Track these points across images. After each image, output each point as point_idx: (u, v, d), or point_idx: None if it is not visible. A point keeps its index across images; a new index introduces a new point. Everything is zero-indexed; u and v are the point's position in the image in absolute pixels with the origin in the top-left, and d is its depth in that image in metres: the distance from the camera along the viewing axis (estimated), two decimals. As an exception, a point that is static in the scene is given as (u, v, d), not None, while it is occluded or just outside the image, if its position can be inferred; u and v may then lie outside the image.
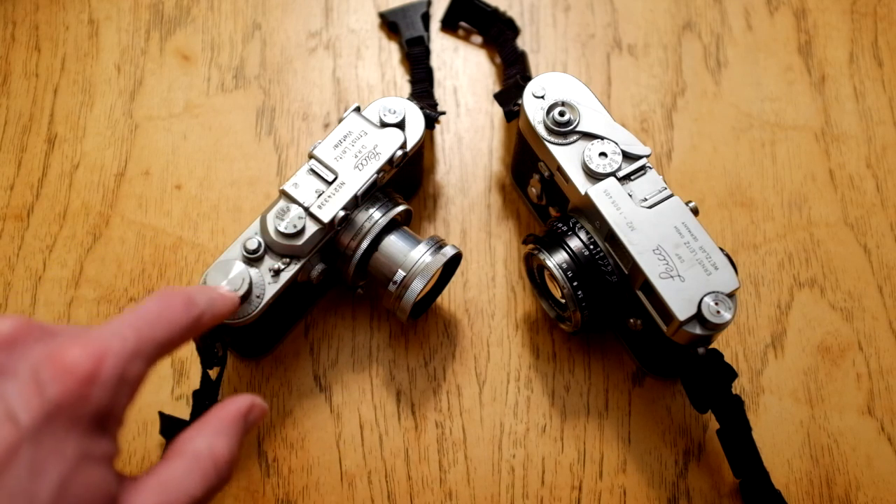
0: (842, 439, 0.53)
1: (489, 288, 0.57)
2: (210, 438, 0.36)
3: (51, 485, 0.31)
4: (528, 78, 0.55)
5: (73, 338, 0.33)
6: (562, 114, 0.50)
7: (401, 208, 0.51)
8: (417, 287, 0.49)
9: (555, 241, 0.50)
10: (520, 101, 0.52)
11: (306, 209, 0.48)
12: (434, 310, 0.56)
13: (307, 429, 0.53)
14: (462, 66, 0.64)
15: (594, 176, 0.49)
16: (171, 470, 0.35)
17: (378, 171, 0.50)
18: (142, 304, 0.36)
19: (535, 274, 0.54)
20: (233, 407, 0.37)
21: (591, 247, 0.49)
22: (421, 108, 0.53)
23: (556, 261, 0.49)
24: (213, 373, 0.50)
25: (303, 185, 0.49)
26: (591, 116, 0.51)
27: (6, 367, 0.32)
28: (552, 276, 0.50)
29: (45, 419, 0.31)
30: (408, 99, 0.54)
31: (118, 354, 0.33)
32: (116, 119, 0.61)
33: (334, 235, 0.50)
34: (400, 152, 0.50)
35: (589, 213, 0.49)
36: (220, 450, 0.36)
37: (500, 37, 0.62)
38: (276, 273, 0.48)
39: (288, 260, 0.48)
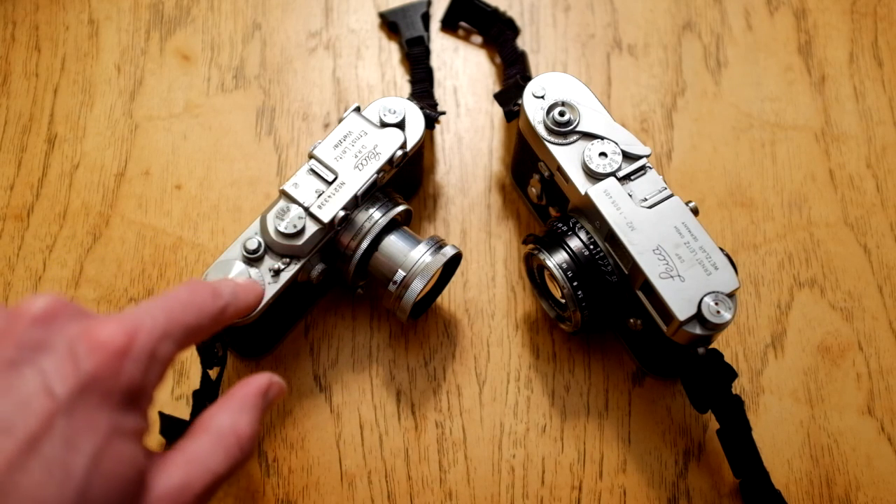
0: (842, 439, 0.53)
1: (489, 288, 0.57)
2: (233, 415, 0.37)
3: (85, 457, 0.31)
4: (528, 78, 0.55)
5: (107, 317, 0.34)
6: (562, 114, 0.50)
7: (401, 208, 0.51)
8: (417, 287, 0.49)
9: (555, 241, 0.50)
10: (520, 101, 0.52)
11: (306, 209, 0.48)
12: (434, 310, 0.56)
13: (307, 429, 0.53)
14: (462, 66, 0.64)
15: (594, 176, 0.49)
16: (197, 446, 0.36)
17: (378, 171, 0.50)
18: (171, 290, 0.37)
19: (535, 274, 0.54)
20: (253, 385, 0.39)
21: (591, 247, 0.49)
22: (421, 108, 0.53)
23: (556, 261, 0.49)
24: (213, 373, 0.50)
25: (303, 185, 0.49)
26: (591, 116, 0.51)
27: (43, 342, 0.33)
28: (552, 276, 0.50)
29: (80, 392, 0.32)
30: (408, 99, 0.54)
31: (149, 332, 0.34)
32: (116, 119, 0.61)
33: (334, 235, 0.50)
34: (400, 152, 0.50)
35: (589, 213, 0.49)
36: (243, 426, 0.37)
37: (500, 37, 0.62)
38: (276, 273, 0.48)
39: (288, 260, 0.48)
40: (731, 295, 0.46)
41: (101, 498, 0.32)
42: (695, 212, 0.48)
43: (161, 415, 0.50)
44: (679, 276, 0.46)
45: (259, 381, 0.39)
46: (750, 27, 0.65)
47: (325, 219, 0.48)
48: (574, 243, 0.49)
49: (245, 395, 0.38)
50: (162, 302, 0.36)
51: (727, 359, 0.50)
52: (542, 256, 0.50)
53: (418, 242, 0.51)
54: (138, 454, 0.34)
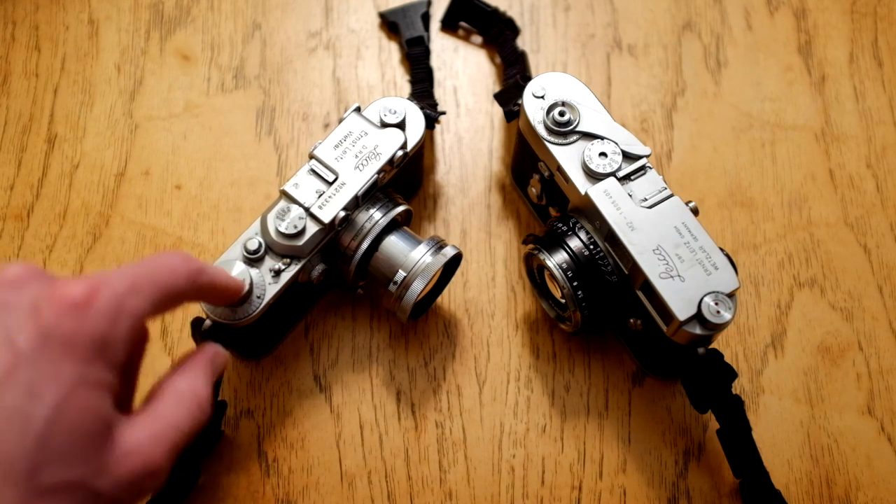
0: (842, 439, 0.53)
1: (489, 288, 0.57)
2: (189, 379, 0.39)
3: (46, 406, 0.32)
4: (528, 78, 0.55)
5: (73, 278, 0.36)
6: (562, 114, 0.50)
7: (401, 208, 0.51)
8: (418, 287, 0.49)
9: (555, 241, 0.50)
10: (520, 101, 0.52)
11: (307, 209, 0.48)
12: (434, 310, 0.56)
13: (307, 429, 0.53)
14: (462, 66, 0.64)
15: (594, 176, 0.49)
16: (161, 406, 0.37)
17: (378, 172, 0.50)
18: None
19: (535, 274, 0.54)
20: (201, 353, 0.41)
21: (591, 247, 0.49)
22: (421, 108, 0.53)
23: (556, 261, 0.49)
24: (213, 373, 0.50)
25: (303, 186, 0.49)
26: (591, 116, 0.51)
27: (9, 303, 0.34)
28: (552, 276, 0.50)
29: (42, 343, 0.33)
30: (408, 99, 0.54)
31: (113, 287, 0.35)
32: (116, 119, 0.61)
33: (335, 236, 0.50)
34: (400, 152, 0.50)
35: (589, 213, 0.49)
36: (199, 387, 0.38)
37: (500, 37, 0.62)
38: (277, 273, 0.48)
39: (288, 260, 0.48)
40: (731, 295, 0.46)
41: (62, 447, 0.32)
42: (695, 212, 0.48)
43: (161, 415, 0.50)
44: (679, 276, 0.46)
45: (205, 349, 0.41)
46: (750, 27, 0.65)
47: (326, 219, 0.48)
48: (574, 243, 0.49)
49: (195, 360, 0.40)
50: (129, 264, 0.37)
51: (727, 359, 0.50)
52: (542, 256, 0.50)
53: (419, 243, 0.51)
54: (104, 405, 0.34)
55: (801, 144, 0.61)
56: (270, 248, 0.48)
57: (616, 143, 0.49)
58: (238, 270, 0.47)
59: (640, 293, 0.48)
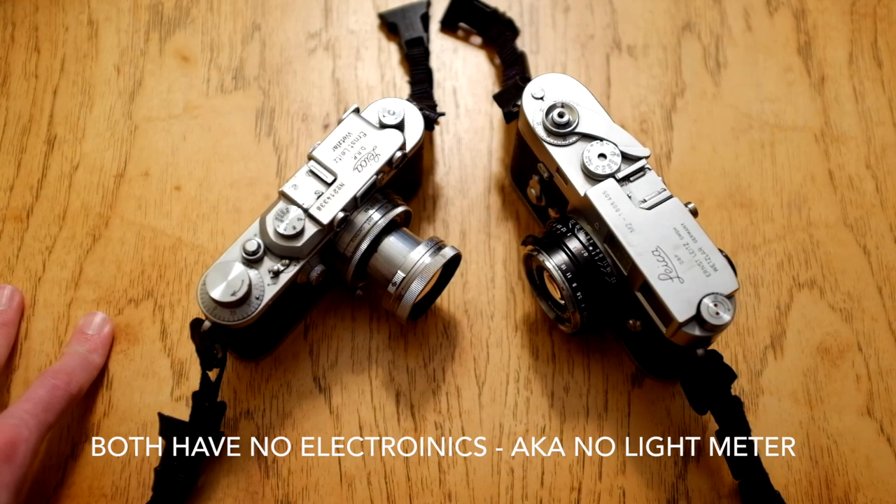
0: (841, 440, 0.53)
1: (489, 289, 0.57)
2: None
3: None
4: (527, 79, 0.55)
5: None
6: (561, 115, 0.50)
7: (400, 209, 0.51)
8: (417, 288, 0.49)
9: (554, 243, 0.50)
10: (519, 103, 0.52)
11: (305, 210, 0.48)
12: (433, 311, 0.56)
13: (307, 430, 0.53)
14: (461, 67, 0.64)
15: (593, 177, 0.49)
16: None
17: (377, 173, 0.50)
18: (33, 392, 0.48)
19: (535, 275, 0.54)
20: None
21: (591, 248, 0.49)
22: (420, 110, 0.53)
23: (555, 262, 0.49)
24: (212, 374, 0.50)
25: (302, 187, 0.49)
26: (591, 117, 0.51)
27: None
28: (551, 277, 0.50)
29: None
30: (407, 100, 0.54)
31: (27, 441, 0.45)
32: (116, 120, 0.61)
33: (333, 237, 0.50)
34: (399, 153, 0.50)
35: (588, 214, 0.49)
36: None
37: (499, 38, 0.62)
38: (276, 274, 0.48)
39: (287, 261, 0.48)
40: (730, 296, 0.46)
41: None
42: (694, 213, 0.48)
43: (160, 416, 0.50)
44: (678, 277, 0.46)
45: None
46: (749, 28, 0.65)
47: (325, 220, 0.48)
48: (573, 245, 0.49)
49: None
50: (28, 407, 0.47)
51: (726, 360, 0.50)
52: (541, 258, 0.50)
53: (417, 243, 0.51)
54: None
55: (800, 145, 0.61)
56: (269, 249, 0.48)
57: (615, 145, 0.49)
58: (237, 272, 0.47)
59: (639, 294, 0.48)
